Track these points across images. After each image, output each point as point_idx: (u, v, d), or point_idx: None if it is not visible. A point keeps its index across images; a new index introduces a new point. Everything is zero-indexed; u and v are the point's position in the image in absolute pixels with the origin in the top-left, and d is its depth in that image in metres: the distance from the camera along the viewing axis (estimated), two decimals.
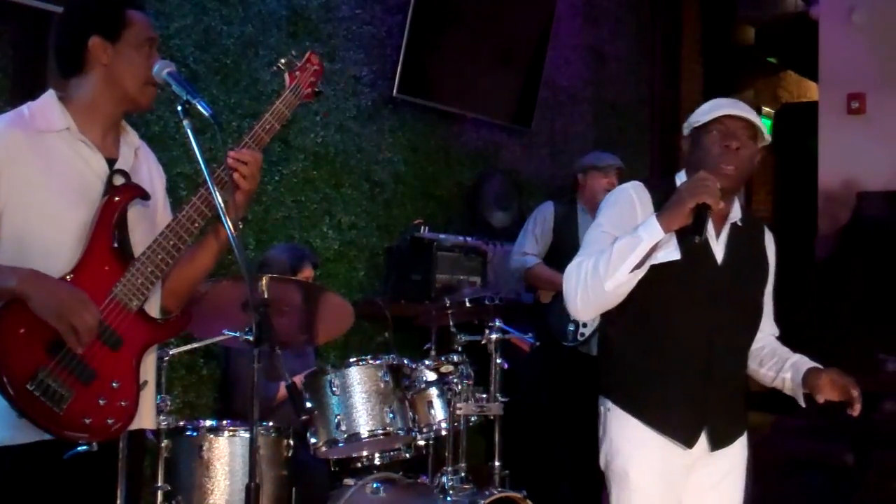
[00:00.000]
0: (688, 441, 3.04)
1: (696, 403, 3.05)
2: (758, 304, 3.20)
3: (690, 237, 2.89)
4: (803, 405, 3.17)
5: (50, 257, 2.54)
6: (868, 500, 5.58)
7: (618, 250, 2.87)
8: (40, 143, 2.61)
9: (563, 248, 5.35)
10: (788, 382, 3.15)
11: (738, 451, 3.18)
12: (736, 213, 3.11)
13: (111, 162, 2.70)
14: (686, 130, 3.16)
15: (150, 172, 2.84)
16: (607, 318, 3.18)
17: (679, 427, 3.04)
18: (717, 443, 3.09)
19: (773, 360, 3.20)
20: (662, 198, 3.04)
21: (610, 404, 3.13)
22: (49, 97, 2.70)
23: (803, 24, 8.70)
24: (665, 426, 3.04)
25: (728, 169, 2.99)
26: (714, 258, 3.06)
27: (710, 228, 3.02)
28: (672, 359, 3.04)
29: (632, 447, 3.06)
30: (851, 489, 5.63)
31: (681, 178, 3.13)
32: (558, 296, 5.57)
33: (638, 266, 2.87)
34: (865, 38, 7.84)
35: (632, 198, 3.08)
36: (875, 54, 7.79)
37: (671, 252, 2.93)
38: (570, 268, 2.97)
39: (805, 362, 3.16)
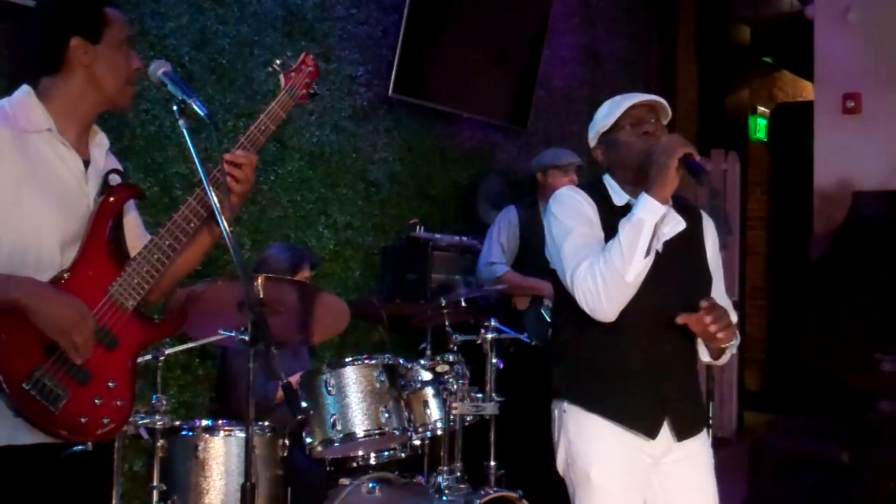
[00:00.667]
0: (650, 432, 3.02)
1: (655, 392, 3.04)
2: (701, 287, 3.16)
3: (700, 178, 2.90)
4: (706, 359, 3.11)
5: (32, 261, 2.52)
6: (864, 499, 5.58)
7: (625, 241, 2.87)
8: (24, 142, 2.56)
9: (532, 251, 5.28)
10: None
11: (703, 449, 3.16)
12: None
13: (85, 163, 2.68)
14: (593, 141, 3.20)
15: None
16: (555, 321, 3.18)
17: (640, 418, 3.03)
18: (682, 432, 3.06)
19: None
20: (598, 198, 3.10)
21: (566, 405, 3.10)
22: (27, 95, 2.65)
23: (799, 23, 8.71)
24: (626, 418, 3.02)
25: None
26: (656, 254, 3.00)
27: None
28: (625, 351, 3.02)
29: (593, 447, 3.04)
30: (847, 488, 5.63)
31: (608, 180, 3.17)
32: (534, 301, 5.54)
33: (649, 249, 2.87)
34: (861, 37, 7.86)
35: (576, 198, 3.11)
36: (870, 54, 7.81)
37: (676, 225, 2.95)
38: (581, 273, 2.94)
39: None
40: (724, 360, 3.17)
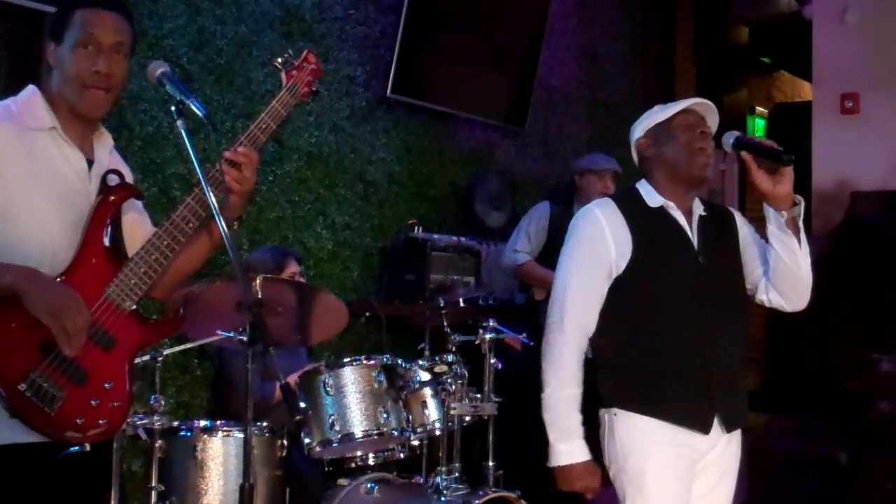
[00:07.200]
0: (704, 427, 3.08)
1: (703, 391, 3.08)
2: (739, 282, 3.24)
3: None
4: (800, 233, 3.13)
5: (33, 259, 2.51)
6: (862, 499, 5.58)
7: (548, 421, 3.12)
8: (28, 141, 2.57)
9: (557, 249, 5.31)
10: (771, 235, 3.13)
11: (735, 452, 3.22)
12: (698, 207, 3.22)
13: (89, 163, 2.67)
14: (642, 131, 3.24)
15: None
16: (597, 334, 3.20)
17: (694, 416, 3.08)
18: (730, 424, 3.15)
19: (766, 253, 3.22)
20: (631, 209, 3.15)
21: (616, 410, 3.13)
22: (33, 94, 2.65)
23: (797, 23, 8.70)
24: (682, 419, 3.07)
25: (707, 159, 3.16)
26: (694, 251, 3.14)
27: (684, 222, 3.16)
28: (670, 354, 3.07)
29: (647, 446, 3.07)
30: (845, 489, 5.63)
31: (643, 186, 3.23)
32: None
33: None
34: (859, 37, 7.85)
35: (601, 226, 3.14)
36: (868, 54, 7.80)
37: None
38: (556, 344, 3.13)
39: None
40: (798, 213, 3.13)
